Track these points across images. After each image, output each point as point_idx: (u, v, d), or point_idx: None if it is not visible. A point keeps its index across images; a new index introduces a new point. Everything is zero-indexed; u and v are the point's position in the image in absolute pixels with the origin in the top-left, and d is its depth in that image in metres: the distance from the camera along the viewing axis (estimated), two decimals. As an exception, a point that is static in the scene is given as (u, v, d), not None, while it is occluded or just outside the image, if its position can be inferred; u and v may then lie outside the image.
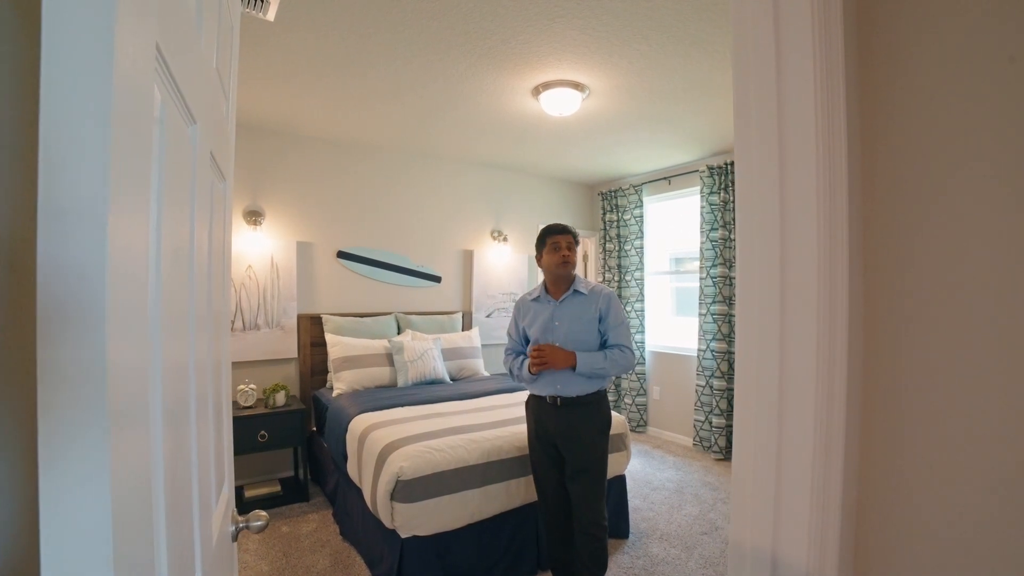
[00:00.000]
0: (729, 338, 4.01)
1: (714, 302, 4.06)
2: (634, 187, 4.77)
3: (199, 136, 0.67)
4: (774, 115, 0.74)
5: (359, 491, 2.42)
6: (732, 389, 3.98)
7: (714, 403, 4.02)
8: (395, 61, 2.52)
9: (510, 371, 2.13)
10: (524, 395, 2.93)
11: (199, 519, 0.67)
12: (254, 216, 3.49)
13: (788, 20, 0.73)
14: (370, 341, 3.57)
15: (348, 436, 2.65)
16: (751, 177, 0.77)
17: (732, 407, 3.97)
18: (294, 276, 3.61)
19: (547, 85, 2.79)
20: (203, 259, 0.72)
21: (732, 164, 3.90)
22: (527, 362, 1.99)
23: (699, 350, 4.16)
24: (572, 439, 1.94)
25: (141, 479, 0.43)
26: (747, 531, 0.77)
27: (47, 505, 0.33)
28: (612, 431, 2.31)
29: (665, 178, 4.59)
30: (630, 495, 3.11)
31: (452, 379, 3.75)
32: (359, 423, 2.63)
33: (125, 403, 0.38)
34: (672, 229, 4.97)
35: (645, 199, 4.80)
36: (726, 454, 3.95)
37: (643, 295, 4.77)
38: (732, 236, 3.94)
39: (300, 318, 3.67)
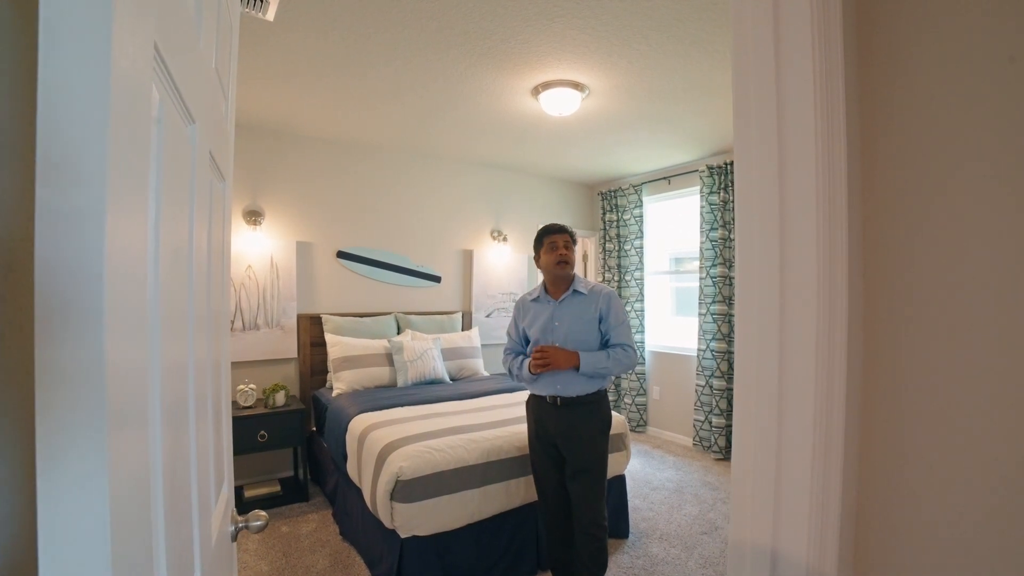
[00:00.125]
0: (729, 338, 4.01)
1: (714, 302, 4.06)
2: (634, 187, 4.77)
3: (198, 136, 0.67)
4: (774, 115, 0.74)
5: (359, 491, 2.42)
6: (732, 389, 3.98)
7: (714, 403, 4.02)
8: (395, 61, 2.52)
9: (509, 371, 2.13)
10: (524, 395, 2.93)
11: (198, 519, 0.67)
12: (254, 216, 3.49)
13: (788, 20, 0.73)
14: (370, 341, 3.57)
15: (348, 436, 2.65)
16: (751, 177, 0.77)
17: (732, 407, 3.97)
18: (294, 276, 3.60)
19: (547, 85, 2.78)
20: (202, 259, 0.72)
21: (732, 164, 3.90)
22: (527, 362, 1.99)
23: (699, 350, 4.16)
24: (572, 439, 1.94)
25: (140, 479, 0.43)
26: (747, 530, 0.77)
27: (45, 505, 0.33)
28: (612, 431, 2.31)
29: (665, 178, 4.59)
30: (630, 495, 3.11)
31: (452, 379, 3.75)
32: (359, 423, 2.63)
33: (124, 403, 0.38)
34: (672, 229, 4.97)
35: (645, 199, 4.80)
36: (726, 454, 3.95)
37: (643, 295, 4.77)
38: (732, 236, 3.94)
39: (300, 318, 3.67)
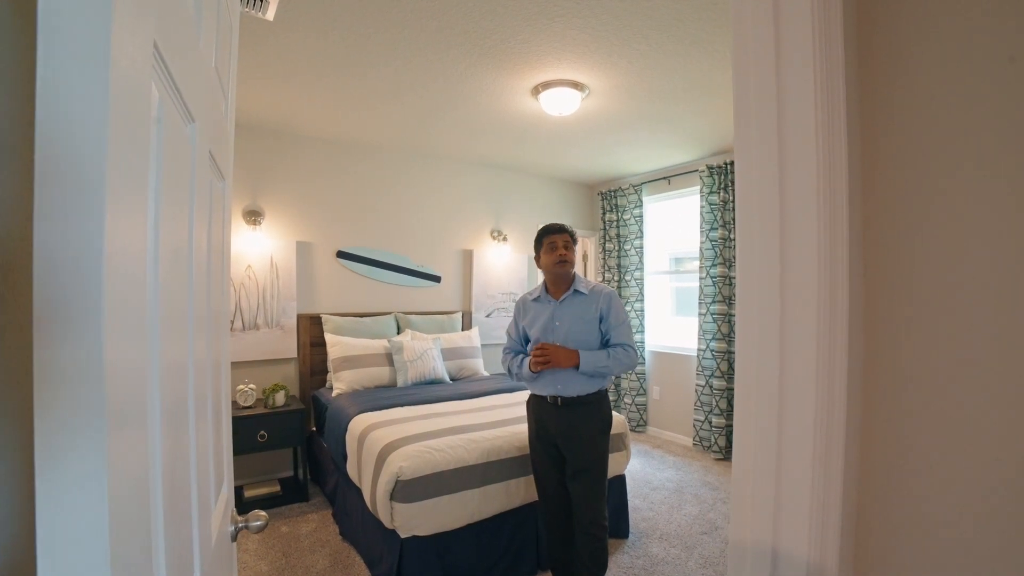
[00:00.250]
0: (729, 338, 4.01)
1: (714, 302, 4.06)
2: (634, 187, 4.77)
3: (198, 135, 0.67)
4: (774, 114, 0.74)
5: (359, 491, 2.42)
6: (732, 389, 3.98)
7: (714, 403, 4.02)
8: (395, 61, 2.52)
9: (508, 370, 2.12)
10: (524, 395, 2.93)
11: (198, 519, 0.67)
12: (253, 216, 3.49)
13: (788, 19, 0.73)
14: (370, 341, 3.57)
15: (348, 436, 2.65)
16: (751, 177, 0.77)
17: (732, 407, 3.97)
18: (294, 276, 3.60)
19: (547, 84, 2.78)
20: (202, 258, 0.72)
21: (732, 164, 3.89)
22: (527, 361, 1.99)
23: (699, 350, 4.16)
24: (573, 439, 1.94)
25: (139, 479, 0.43)
26: (747, 528, 0.77)
27: (44, 505, 0.33)
28: (612, 431, 2.31)
29: (665, 178, 4.58)
30: (630, 495, 3.11)
31: (452, 379, 3.75)
32: (359, 423, 2.63)
33: (123, 403, 0.38)
34: (672, 229, 4.97)
35: (645, 199, 4.80)
36: (726, 454, 3.95)
37: (643, 295, 4.77)
38: (732, 236, 3.94)
39: (300, 318, 3.67)
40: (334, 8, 2.06)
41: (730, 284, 3.99)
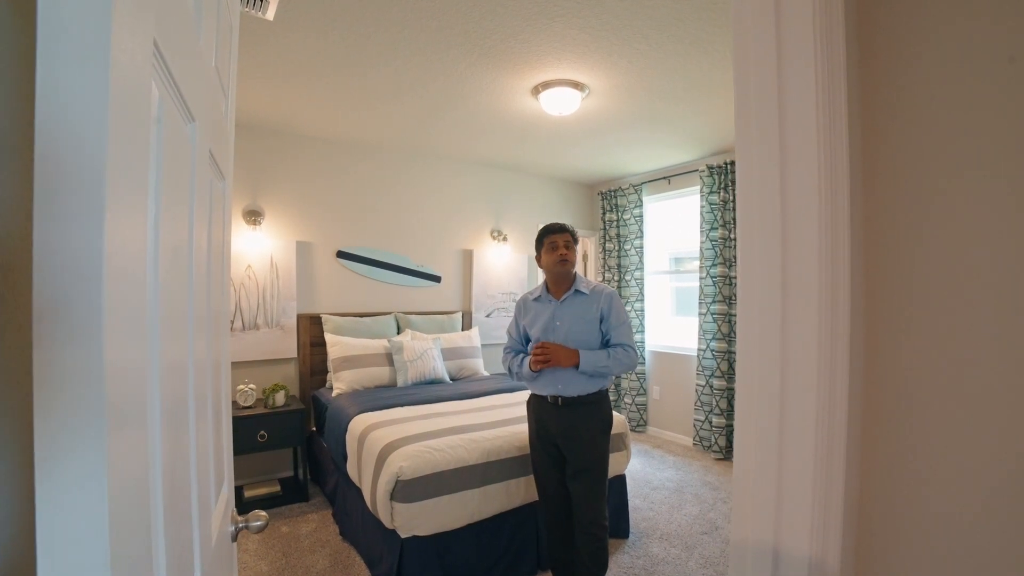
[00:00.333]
0: (729, 338, 4.00)
1: (714, 302, 4.06)
2: (634, 187, 4.77)
3: (198, 134, 0.66)
4: (775, 114, 0.74)
5: (359, 491, 2.41)
6: (732, 389, 3.98)
7: (714, 403, 4.01)
8: (395, 61, 2.52)
9: (509, 369, 2.12)
10: (524, 395, 2.93)
11: (198, 519, 0.67)
12: (253, 216, 3.49)
13: (789, 19, 0.72)
14: (370, 341, 3.57)
15: (348, 436, 2.65)
16: (752, 176, 0.77)
17: (732, 407, 3.97)
18: (294, 276, 3.60)
19: (547, 84, 2.78)
20: (202, 258, 0.72)
21: (732, 164, 3.89)
22: (528, 360, 1.99)
23: (699, 350, 4.16)
24: (573, 438, 1.94)
25: (139, 479, 0.43)
26: (749, 527, 0.77)
27: (44, 506, 0.33)
28: (612, 431, 2.31)
29: (665, 178, 4.58)
30: (630, 495, 3.11)
31: (452, 379, 3.75)
32: (359, 423, 2.63)
33: (123, 403, 0.38)
34: (672, 229, 4.96)
35: (645, 199, 4.80)
36: (726, 454, 3.95)
37: (643, 295, 4.77)
38: (732, 236, 3.94)
39: (300, 318, 3.66)
40: (334, 8, 2.06)
41: (730, 284, 3.99)
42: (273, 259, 3.52)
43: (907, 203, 0.73)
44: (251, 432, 3.00)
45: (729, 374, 4.00)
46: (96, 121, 0.34)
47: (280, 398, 3.20)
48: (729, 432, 3.97)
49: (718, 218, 4.02)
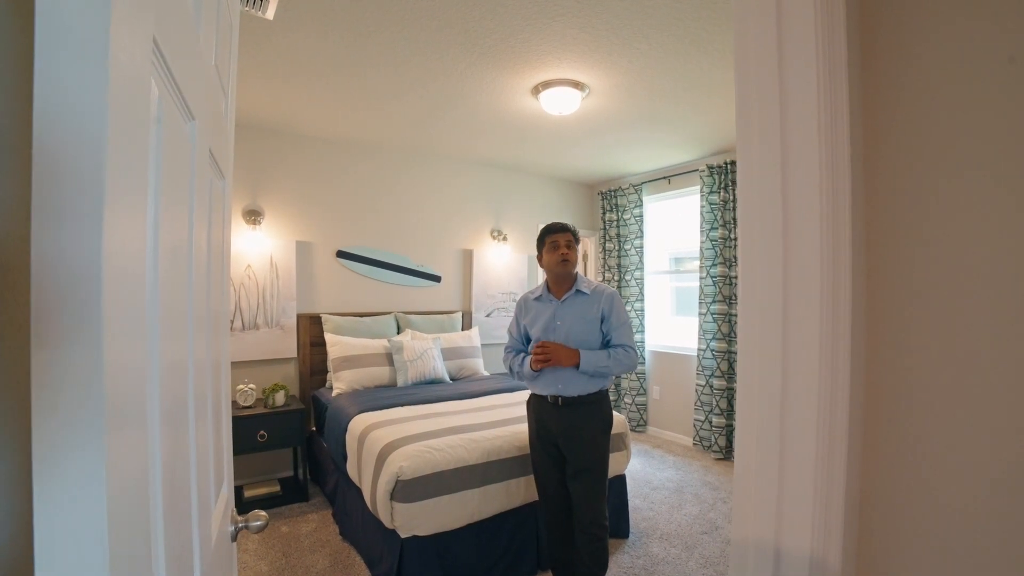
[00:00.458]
0: (729, 337, 4.00)
1: (714, 301, 4.06)
2: (634, 186, 4.77)
3: (198, 133, 0.66)
4: (776, 114, 0.73)
5: (359, 491, 2.41)
6: (732, 389, 3.98)
7: (714, 403, 4.01)
8: (395, 61, 2.52)
9: (510, 369, 2.12)
10: (524, 395, 2.93)
11: (198, 519, 0.66)
12: (253, 215, 3.48)
13: (790, 19, 0.72)
14: (370, 341, 3.57)
15: (348, 436, 2.64)
16: (753, 176, 0.77)
17: (732, 407, 3.97)
18: (293, 276, 3.60)
19: (547, 84, 2.78)
20: (202, 258, 0.72)
21: (732, 163, 3.89)
22: (528, 359, 1.99)
23: (699, 350, 4.16)
24: (573, 438, 1.94)
25: (138, 480, 0.42)
26: (750, 526, 0.76)
27: (42, 506, 0.32)
28: (612, 431, 2.31)
29: (665, 177, 4.58)
30: (630, 495, 3.11)
31: (452, 379, 3.74)
32: (359, 423, 2.63)
33: (122, 403, 0.38)
34: (672, 229, 4.96)
35: (645, 198, 4.80)
36: (726, 454, 3.95)
37: (643, 295, 4.77)
38: (732, 235, 3.94)
39: (299, 318, 3.66)
40: (334, 8, 2.06)
41: (730, 284, 3.99)
42: (273, 259, 3.52)
43: (908, 203, 0.73)
44: (251, 432, 3.00)
45: (729, 374, 4.00)
46: (95, 119, 0.33)
47: (280, 398, 3.19)
48: (729, 432, 3.97)
49: (718, 218, 4.02)
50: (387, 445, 2.22)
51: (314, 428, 3.52)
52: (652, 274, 4.88)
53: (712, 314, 4.07)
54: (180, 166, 0.59)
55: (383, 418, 2.63)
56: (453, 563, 2.14)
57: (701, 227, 4.15)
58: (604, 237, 5.13)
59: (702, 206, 4.13)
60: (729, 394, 3.99)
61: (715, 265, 4.06)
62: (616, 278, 4.96)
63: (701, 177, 4.12)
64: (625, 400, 4.86)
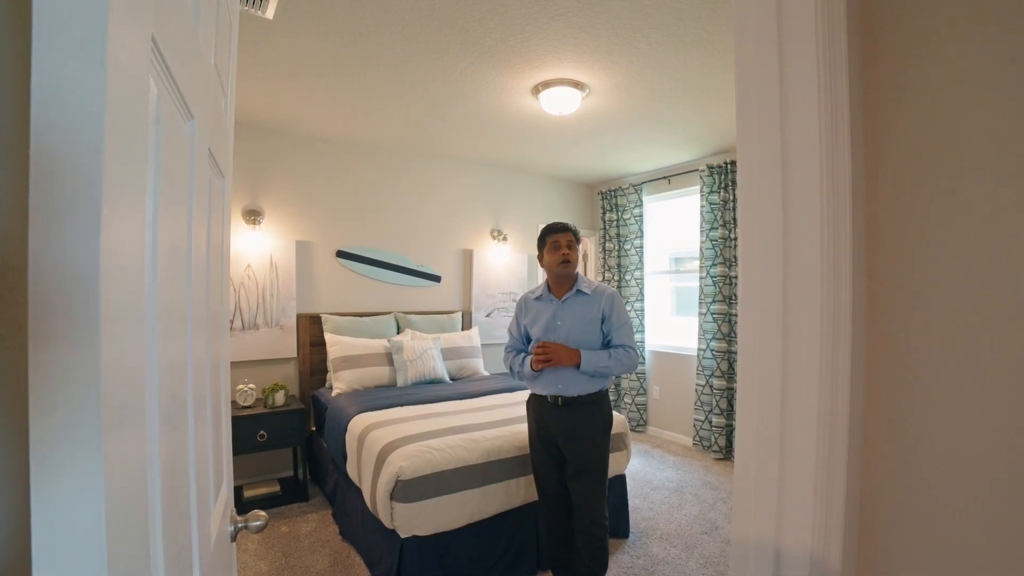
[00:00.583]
0: (729, 337, 4.00)
1: (714, 301, 4.06)
2: (634, 186, 4.77)
3: (197, 132, 0.66)
4: (777, 113, 0.73)
5: (358, 491, 2.41)
6: (732, 388, 3.98)
7: (714, 403, 4.01)
8: (395, 61, 2.52)
9: (510, 368, 2.12)
10: (524, 395, 2.93)
11: (197, 519, 0.66)
12: (253, 215, 3.48)
13: (791, 19, 0.72)
14: (369, 341, 3.57)
15: (347, 436, 2.64)
16: (753, 176, 0.77)
17: (732, 407, 3.97)
18: (293, 275, 3.60)
19: (547, 84, 2.78)
20: (201, 258, 0.72)
21: (732, 163, 3.89)
22: (529, 359, 1.98)
23: (699, 349, 4.16)
24: (573, 438, 1.94)
25: (136, 480, 0.42)
26: (750, 526, 0.76)
27: (39, 507, 0.32)
28: (612, 431, 2.31)
29: (665, 177, 4.58)
30: (630, 495, 3.10)
31: (452, 379, 3.74)
32: (358, 423, 2.63)
33: (120, 403, 0.37)
34: (672, 228, 4.96)
35: (645, 198, 4.80)
36: (726, 453, 3.95)
37: (643, 295, 4.77)
38: (732, 235, 3.94)
39: (299, 317, 3.66)
40: (334, 8, 2.05)
41: (730, 284, 3.99)
42: (273, 259, 3.52)
43: (909, 203, 0.73)
44: (251, 432, 2.99)
45: (729, 374, 3.99)
46: (93, 118, 0.33)
47: (280, 398, 3.19)
48: (729, 432, 3.97)
49: (718, 218, 4.02)
50: (387, 445, 2.22)
51: (314, 428, 3.52)
52: (652, 274, 4.88)
53: (712, 314, 4.07)
54: (179, 165, 0.59)
55: (383, 418, 2.63)
56: (453, 563, 2.14)
57: (701, 227, 4.15)
58: (604, 237, 5.13)
59: (702, 206, 4.13)
60: (729, 394, 3.99)
61: (715, 265, 4.06)
62: (616, 278, 4.96)
63: (701, 177, 4.12)
64: (625, 400, 4.85)
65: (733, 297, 3.98)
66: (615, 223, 4.98)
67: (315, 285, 3.78)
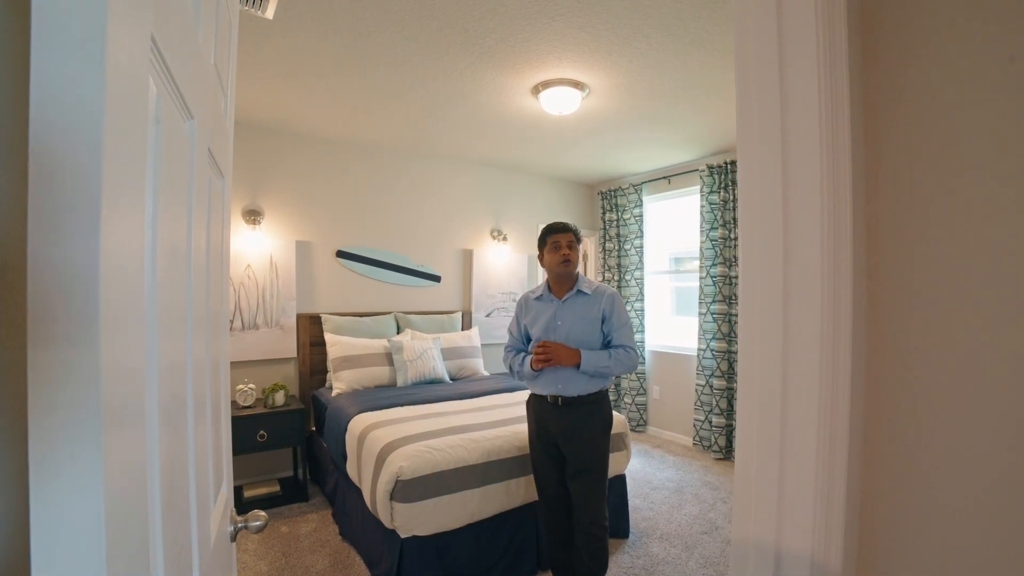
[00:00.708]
0: (729, 337, 4.00)
1: (714, 301, 4.06)
2: (634, 186, 4.77)
3: (196, 132, 0.66)
4: (777, 113, 0.73)
5: (358, 491, 2.41)
6: (732, 388, 3.98)
7: (714, 403, 4.01)
8: (395, 61, 2.52)
9: (510, 368, 2.12)
10: (524, 395, 2.93)
11: (197, 519, 0.66)
12: (253, 215, 3.48)
13: (791, 19, 0.72)
14: (369, 341, 3.57)
15: (347, 436, 2.64)
16: (754, 176, 0.77)
17: (732, 407, 3.97)
18: (293, 275, 3.60)
19: (547, 84, 2.78)
20: (201, 258, 0.72)
21: (732, 163, 3.89)
22: (529, 359, 1.98)
23: (699, 349, 4.16)
24: (573, 438, 1.94)
25: (136, 480, 0.42)
26: (750, 525, 0.76)
27: (38, 507, 0.32)
28: (612, 431, 2.31)
29: (665, 177, 4.58)
30: (630, 495, 3.10)
31: (452, 379, 3.74)
32: (358, 423, 2.63)
33: (119, 403, 0.37)
34: (672, 228, 4.96)
35: (645, 198, 4.80)
36: (726, 453, 3.95)
37: (643, 295, 4.77)
38: (732, 235, 3.94)
39: (299, 317, 3.66)
40: (334, 8, 2.05)
41: (730, 284, 3.99)
42: (273, 259, 3.52)
43: (909, 202, 0.72)
44: (251, 432, 2.99)
45: (729, 374, 3.99)
46: (92, 118, 0.33)
47: (280, 398, 3.19)
48: (729, 432, 3.97)
49: (718, 218, 4.02)
50: (387, 445, 2.22)
51: (314, 428, 3.52)
52: (652, 274, 4.88)
53: (712, 314, 4.07)
54: (179, 165, 0.59)
55: (383, 418, 2.63)
56: (453, 563, 2.14)
57: (701, 227, 4.15)
58: (604, 237, 5.13)
59: (702, 206, 4.13)
60: (729, 394, 3.99)
61: (715, 265, 4.06)
62: (616, 278, 4.96)
63: (701, 177, 4.12)
64: (625, 400, 4.85)
65: (733, 297, 3.98)
66: (615, 223, 4.98)
67: (315, 285, 3.78)
